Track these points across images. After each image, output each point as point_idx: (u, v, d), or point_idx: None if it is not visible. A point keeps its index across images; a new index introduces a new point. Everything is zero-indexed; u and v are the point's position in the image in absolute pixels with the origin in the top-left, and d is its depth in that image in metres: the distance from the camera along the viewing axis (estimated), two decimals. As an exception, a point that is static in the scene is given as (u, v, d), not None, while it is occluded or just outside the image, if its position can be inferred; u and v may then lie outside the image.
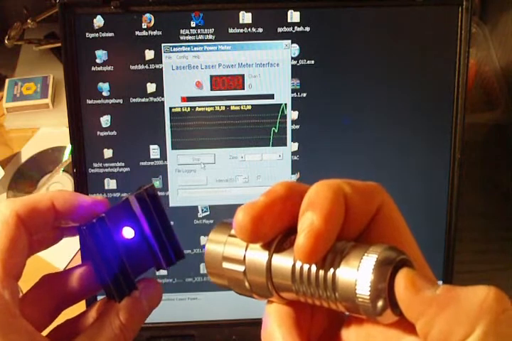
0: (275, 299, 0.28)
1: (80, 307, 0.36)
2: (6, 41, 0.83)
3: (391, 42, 0.59)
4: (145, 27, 0.57)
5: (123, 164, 0.59)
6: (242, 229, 0.26)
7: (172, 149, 0.59)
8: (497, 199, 0.78)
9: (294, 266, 0.26)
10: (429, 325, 0.24)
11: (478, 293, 0.24)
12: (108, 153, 0.59)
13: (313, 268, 0.26)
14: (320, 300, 0.26)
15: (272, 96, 0.59)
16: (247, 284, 0.28)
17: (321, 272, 0.26)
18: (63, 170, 0.78)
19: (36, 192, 0.75)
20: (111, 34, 0.57)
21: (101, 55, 0.57)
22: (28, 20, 0.83)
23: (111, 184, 0.60)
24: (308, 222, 0.25)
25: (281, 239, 0.27)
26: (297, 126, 0.60)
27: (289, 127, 0.60)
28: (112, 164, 0.59)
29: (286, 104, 0.59)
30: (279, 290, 0.27)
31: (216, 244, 0.29)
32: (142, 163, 0.60)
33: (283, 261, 0.27)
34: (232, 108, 0.59)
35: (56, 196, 0.33)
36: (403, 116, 0.60)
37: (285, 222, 0.27)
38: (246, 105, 0.59)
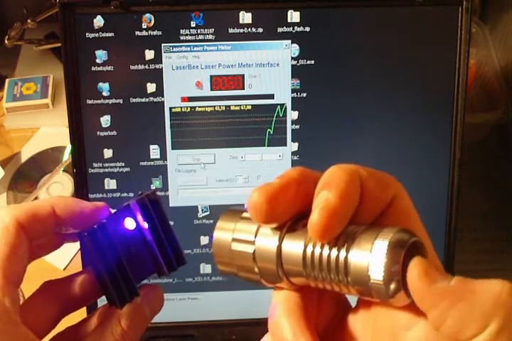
0: (284, 285, 0.28)
1: (80, 313, 0.36)
2: (6, 41, 0.83)
3: (391, 42, 0.59)
4: (145, 27, 0.57)
5: (123, 164, 0.59)
6: (258, 209, 0.26)
7: (172, 149, 0.59)
8: (497, 199, 0.78)
9: (305, 250, 0.26)
10: (442, 317, 0.24)
11: (493, 287, 0.24)
12: (108, 153, 0.59)
13: (325, 251, 0.26)
14: (331, 285, 0.26)
15: (271, 96, 0.59)
16: (256, 269, 0.28)
17: (333, 255, 0.25)
18: (63, 170, 0.78)
19: (36, 192, 0.76)
20: (111, 34, 0.57)
21: (101, 55, 0.57)
22: (28, 20, 0.83)
23: (111, 184, 0.60)
24: (324, 198, 0.25)
25: (291, 224, 0.27)
26: (297, 126, 0.60)
27: (289, 127, 0.60)
28: (112, 164, 0.59)
29: (286, 104, 0.59)
30: (289, 275, 0.27)
31: (225, 230, 0.29)
32: (142, 163, 0.60)
33: (293, 246, 0.27)
34: (232, 108, 0.59)
35: (57, 202, 0.33)
36: (403, 116, 0.60)
37: (298, 205, 0.27)
38: (246, 105, 0.59)
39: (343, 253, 0.25)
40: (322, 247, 0.26)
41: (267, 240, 0.27)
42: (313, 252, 0.26)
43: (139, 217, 0.34)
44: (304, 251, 0.26)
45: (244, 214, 0.28)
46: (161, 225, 0.35)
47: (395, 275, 0.24)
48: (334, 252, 0.25)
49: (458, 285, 0.24)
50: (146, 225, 0.34)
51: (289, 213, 0.27)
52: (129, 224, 0.34)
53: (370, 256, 0.24)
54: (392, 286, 0.24)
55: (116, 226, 0.33)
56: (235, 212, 0.29)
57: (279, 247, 0.27)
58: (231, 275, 0.29)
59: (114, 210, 0.34)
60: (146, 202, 0.34)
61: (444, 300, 0.24)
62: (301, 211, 0.27)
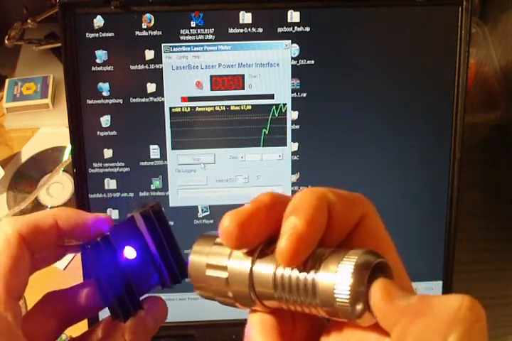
0: (258, 307, 0.28)
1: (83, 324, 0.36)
2: (6, 41, 0.83)
3: (391, 42, 0.59)
4: (145, 27, 0.57)
5: (123, 164, 0.59)
6: (228, 234, 0.27)
7: (172, 149, 0.59)
8: (497, 199, 0.78)
9: (275, 274, 0.27)
10: (404, 334, 0.24)
11: (453, 302, 0.24)
12: (108, 153, 0.59)
13: (294, 274, 0.26)
14: (301, 307, 0.27)
15: (271, 96, 0.59)
16: (230, 293, 0.28)
17: (302, 278, 0.26)
18: (63, 170, 0.78)
19: (36, 192, 0.76)
20: (111, 34, 0.57)
21: (101, 55, 0.57)
22: (28, 20, 0.83)
23: (111, 184, 0.60)
24: (291, 225, 0.26)
25: (263, 248, 0.28)
26: (297, 126, 0.60)
27: (289, 127, 0.60)
28: (112, 164, 0.59)
29: (286, 104, 0.59)
30: (261, 298, 0.28)
31: (200, 255, 0.29)
32: (142, 163, 0.60)
33: (264, 269, 0.27)
34: (232, 108, 0.59)
35: (59, 214, 0.33)
36: (403, 116, 0.60)
37: (269, 230, 0.27)
38: (246, 105, 0.59)
39: (310, 275, 0.26)
40: (291, 270, 0.26)
41: (239, 265, 0.28)
42: (282, 275, 0.27)
43: (143, 229, 0.34)
44: (275, 274, 0.27)
45: (218, 240, 0.29)
46: (165, 237, 0.34)
47: (360, 296, 0.25)
48: (303, 275, 0.26)
49: (418, 302, 0.24)
50: (149, 237, 0.34)
51: (260, 237, 0.27)
52: (133, 236, 0.34)
53: (336, 278, 0.25)
54: (359, 307, 0.25)
55: (120, 238, 0.33)
56: (209, 236, 0.30)
57: (251, 271, 0.27)
58: (209, 299, 0.30)
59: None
60: (150, 214, 0.34)
61: (405, 317, 0.24)
62: (273, 234, 0.27)
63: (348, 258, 0.25)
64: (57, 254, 0.35)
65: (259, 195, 0.28)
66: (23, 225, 0.32)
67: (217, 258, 0.29)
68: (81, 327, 0.36)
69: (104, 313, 0.34)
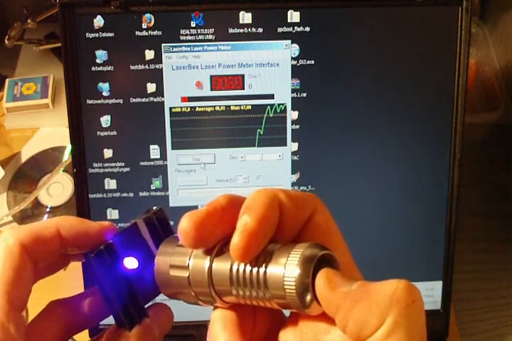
0: (219, 304, 0.29)
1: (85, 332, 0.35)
2: (6, 41, 0.83)
3: (391, 43, 0.59)
4: (145, 27, 0.57)
5: (123, 164, 0.60)
6: (186, 235, 0.28)
7: (172, 149, 0.59)
8: (497, 199, 0.78)
9: (231, 270, 0.28)
10: (346, 318, 0.26)
11: (389, 286, 0.25)
12: (108, 153, 0.59)
13: (248, 269, 0.28)
14: (257, 301, 0.28)
15: (271, 96, 0.59)
16: (192, 292, 0.29)
17: (254, 272, 0.27)
18: (63, 170, 0.78)
19: (36, 192, 0.76)
20: (111, 34, 0.57)
21: (101, 55, 0.57)
22: (28, 20, 0.83)
23: (111, 184, 0.60)
24: (243, 222, 0.27)
25: (221, 246, 0.29)
26: (297, 126, 0.60)
27: (289, 127, 0.60)
28: (112, 164, 0.59)
29: (286, 104, 0.59)
30: (220, 295, 0.29)
31: (164, 256, 0.31)
32: (142, 163, 0.60)
33: (221, 266, 0.28)
34: (232, 108, 0.59)
35: (61, 223, 0.33)
36: (403, 116, 0.60)
37: (225, 229, 0.28)
38: (246, 105, 0.59)
39: (262, 270, 0.27)
40: (245, 266, 0.28)
41: (198, 264, 0.29)
42: (238, 271, 0.28)
43: (146, 236, 0.33)
44: (231, 271, 0.28)
45: (180, 242, 0.30)
46: None
47: (308, 286, 0.26)
48: (255, 270, 0.27)
49: (359, 288, 0.26)
50: (153, 244, 0.33)
51: (217, 237, 0.29)
52: (137, 243, 0.33)
53: (285, 270, 0.26)
54: (307, 297, 0.26)
55: (124, 245, 0.33)
56: (174, 238, 0.32)
57: (210, 269, 0.29)
58: (174, 299, 0.31)
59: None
60: (153, 220, 0.34)
61: (346, 302, 0.26)
62: (230, 234, 0.28)
63: (296, 251, 0.27)
64: (60, 263, 0.34)
65: (216, 197, 0.29)
66: (25, 235, 0.31)
67: (179, 259, 0.30)
68: (83, 336, 0.36)
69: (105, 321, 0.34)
